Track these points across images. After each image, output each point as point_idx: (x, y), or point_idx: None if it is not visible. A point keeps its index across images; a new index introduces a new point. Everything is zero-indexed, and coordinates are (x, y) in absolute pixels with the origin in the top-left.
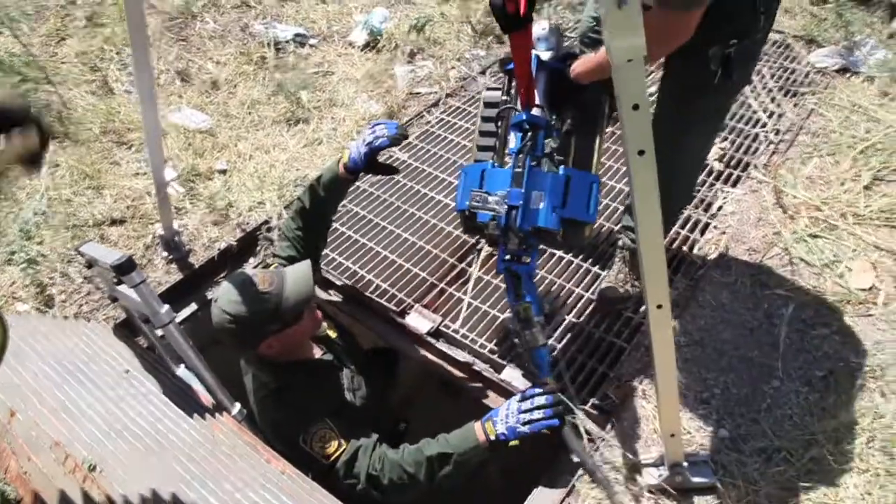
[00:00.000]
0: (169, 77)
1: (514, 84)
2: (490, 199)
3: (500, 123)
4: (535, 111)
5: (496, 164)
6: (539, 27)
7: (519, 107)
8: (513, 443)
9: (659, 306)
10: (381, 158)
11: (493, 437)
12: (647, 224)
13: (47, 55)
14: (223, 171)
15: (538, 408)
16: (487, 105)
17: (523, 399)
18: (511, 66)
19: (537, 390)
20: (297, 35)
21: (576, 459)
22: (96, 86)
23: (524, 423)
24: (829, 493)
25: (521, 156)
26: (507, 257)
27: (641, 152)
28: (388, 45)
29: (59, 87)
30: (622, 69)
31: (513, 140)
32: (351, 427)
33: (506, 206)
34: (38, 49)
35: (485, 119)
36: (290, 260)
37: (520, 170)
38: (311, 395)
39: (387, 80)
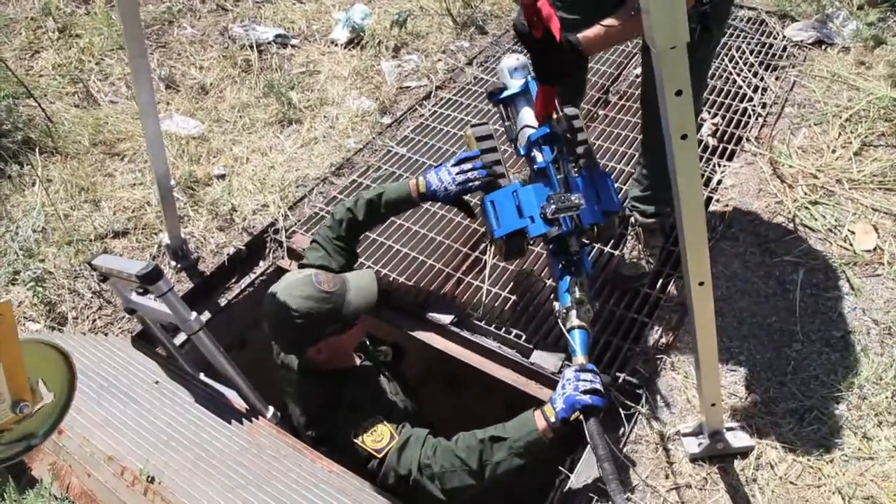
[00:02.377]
0: (154, 85)
1: (510, 110)
2: (573, 199)
3: (509, 147)
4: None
5: (522, 184)
6: (513, 59)
7: (534, 120)
8: (574, 416)
9: (701, 283)
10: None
11: (552, 419)
12: (690, 206)
13: (23, 69)
14: (222, 176)
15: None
16: (481, 139)
17: (581, 370)
18: (501, 96)
19: (592, 366)
20: (277, 36)
21: (599, 453)
22: (79, 97)
23: (584, 392)
24: (863, 448)
25: (557, 165)
26: (563, 264)
27: (685, 136)
28: (371, 42)
29: (41, 101)
30: (666, 56)
31: (540, 155)
32: (402, 425)
33: (584, 203)
34: (13, 63)
35: (485, 151)
36: (323, 269)
37: (562, 176)
38: (362, 400)
39: (374, 75)
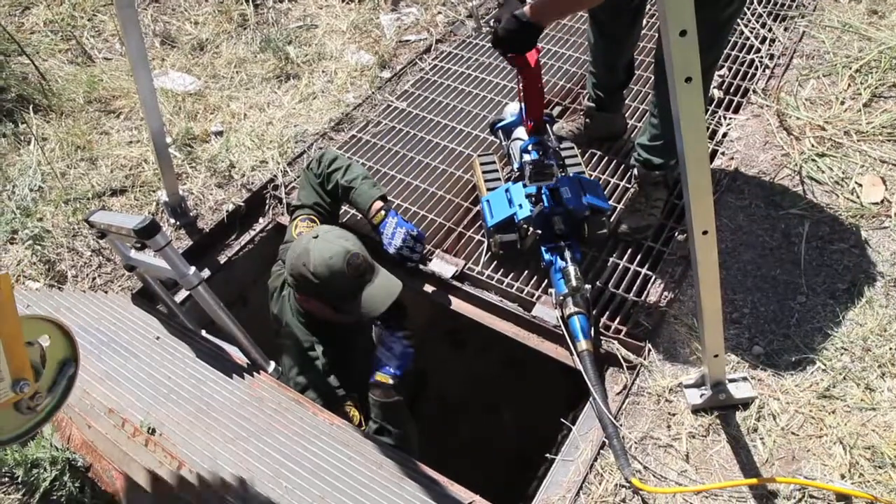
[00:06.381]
0: (148, 41)
1: (506, 134)
2: (550, 163)
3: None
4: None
5: (513, 183)
6: (514, 106)
7: (525, 135)
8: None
9: (704, 232)
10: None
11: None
12: (694, 152)
13: (13, 25)
14: (220, 133)
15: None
16: (484, 164)
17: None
18: (499, 125)
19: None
20: None
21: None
22: (72, 54)
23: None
24: (865, 398)
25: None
26: (552, 246)
27: (689, 79)
28: None
29: (34, 58)
30: None
31: (528, 157)
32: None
33: (558, 172)
34: (3, 19)
35: (486, 172)
36: (317, 207)
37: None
38: (341, 357)
39: (373, 29)
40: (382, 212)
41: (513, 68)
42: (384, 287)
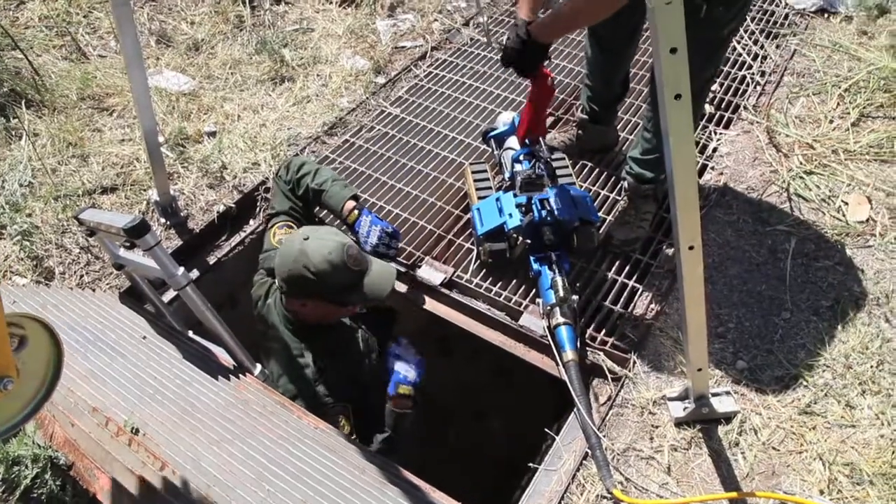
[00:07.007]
0: (144, 40)
1: (498, 144)
2: (540, 174)
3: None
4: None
5: (504, 192)
6: (507, 115)
7: (517, 145)
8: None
9: (691, 247)
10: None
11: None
12: (682, 168)
13: (7, 20)
14: (212, 134)
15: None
16: (475, 172)
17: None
18: (492, 134)
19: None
20: None
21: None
22: (67, 50)
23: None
24: (845, 415)
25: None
26: (540, 256)
27: (678, 96)
28: (366, 0)
29: (28, 53)
30: (660, 12)
31: (519, 167)
32: (367, 397)
33: (549, 183)
34: None
35: (478, 180)
36: (291, 212)
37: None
38: (333, 363)
39: (369, 35)
40: (356, 211)
41: (516, 81)
42: (382, 272)
